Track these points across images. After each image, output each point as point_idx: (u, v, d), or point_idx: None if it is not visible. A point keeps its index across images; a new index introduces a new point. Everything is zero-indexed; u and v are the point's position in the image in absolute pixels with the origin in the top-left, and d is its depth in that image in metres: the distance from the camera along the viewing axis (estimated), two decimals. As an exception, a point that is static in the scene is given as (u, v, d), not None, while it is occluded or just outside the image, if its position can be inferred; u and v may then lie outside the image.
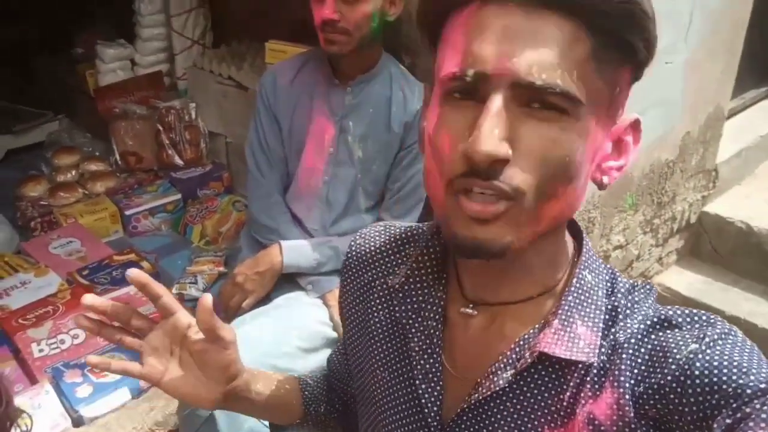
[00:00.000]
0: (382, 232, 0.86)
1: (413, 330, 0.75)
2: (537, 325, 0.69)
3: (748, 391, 0.56)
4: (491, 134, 0.57)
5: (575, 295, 0.68)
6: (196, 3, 2.88)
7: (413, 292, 0.76)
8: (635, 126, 0.67)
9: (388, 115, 1.66)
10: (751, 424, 0.53)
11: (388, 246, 0.84)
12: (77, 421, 1.66)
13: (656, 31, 0.61)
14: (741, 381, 0.57)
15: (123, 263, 2.25)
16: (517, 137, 0.58)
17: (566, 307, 0.67)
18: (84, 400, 1.68)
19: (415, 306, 0.75)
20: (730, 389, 0.57)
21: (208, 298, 0.76)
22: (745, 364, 0.58)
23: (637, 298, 0.70)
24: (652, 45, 0.61)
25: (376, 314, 0.81)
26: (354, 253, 0.87)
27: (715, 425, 0.56)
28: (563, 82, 0.57)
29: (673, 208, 2.89)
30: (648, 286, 0.72)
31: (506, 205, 0.59)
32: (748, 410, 0.55)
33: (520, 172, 0.59)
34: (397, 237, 0.84)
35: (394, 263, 0.82)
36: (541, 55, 0.57)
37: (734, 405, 0.56)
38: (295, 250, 1.65)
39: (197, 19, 2.91)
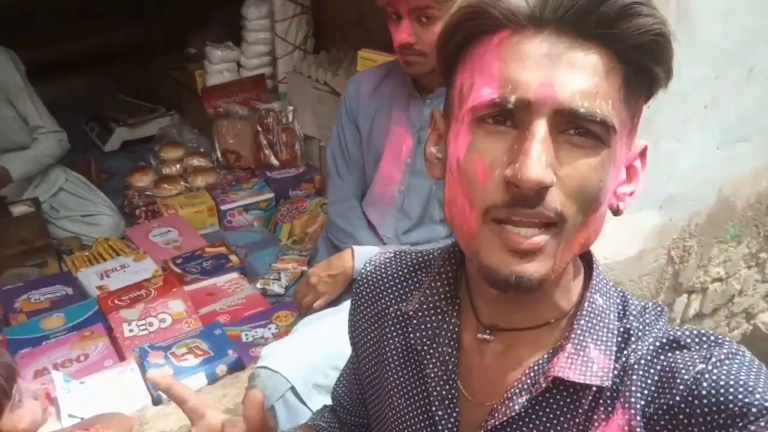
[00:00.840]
0: (393, 259, 0.85)
1: (428, 356, 0.75)
2: (550, 350, 0.69)
3: (754, 409, 0.56)
4: (539, 160, 0.57)
5: (587, 318, 0.68)
6: (299, 10, 3.00)
7: (427, 318, 0.76)
8: (643, 152, 0.68)
9: None
10: None
11: (400, 272, 0.84)
12: (156, 400, 1.77)
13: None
14: (747, 400, 0.57)
15: (214, 255, 2.38)
16: (557, 164, 0.59)
17: (578, 331, 0.67)
18: (164, 381, 1.79)
19: (430, 332, 0.75)
20: (736, 408, 0.57)
21: (257, 395, 0.74)
22: (751, 383, 0.58)
23: (648, 320, 0.69)
24: (671, 74, 0.62)
25: (391, 341, 0.81)
26: (365, 280, 0.86)
27: None
28: (601, 111, 0.58)
29: (784, 242, 2.72)
30: (659, 308, 0.71)
31: (547, 237, 0.60)
32: (753, 428, 0.55)
33: (562, 198, 0.59)
34: (409, 263, 0.84)
35: (407, 290, 0.82)
36: (582, 82, 0.58)
37: (740, 423, 0.56)
38: (366, 256, 1.68)
39: (300, 25, 3.03)
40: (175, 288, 2.14)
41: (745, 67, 2.17)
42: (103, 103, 3.74)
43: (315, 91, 2.76)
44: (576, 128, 0.59)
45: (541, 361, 0.69)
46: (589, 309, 0.68)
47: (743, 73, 2.19)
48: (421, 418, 0.76)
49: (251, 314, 2.09)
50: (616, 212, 0.67)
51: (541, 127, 0.58)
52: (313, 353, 1.52)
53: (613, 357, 0.67)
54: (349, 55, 2.73)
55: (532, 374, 0.69)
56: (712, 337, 0.65)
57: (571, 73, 0.58)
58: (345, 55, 2.78)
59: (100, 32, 4.27)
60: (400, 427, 0.79)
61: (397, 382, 0.79)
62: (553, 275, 0.62)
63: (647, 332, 0.68)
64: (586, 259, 0.73)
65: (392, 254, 0.86)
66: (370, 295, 0.85)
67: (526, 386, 0.68)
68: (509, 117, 0.60)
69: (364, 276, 0.86)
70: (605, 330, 0.68)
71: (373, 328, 0.84)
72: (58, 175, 2.76)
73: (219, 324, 2.00)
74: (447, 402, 0.73)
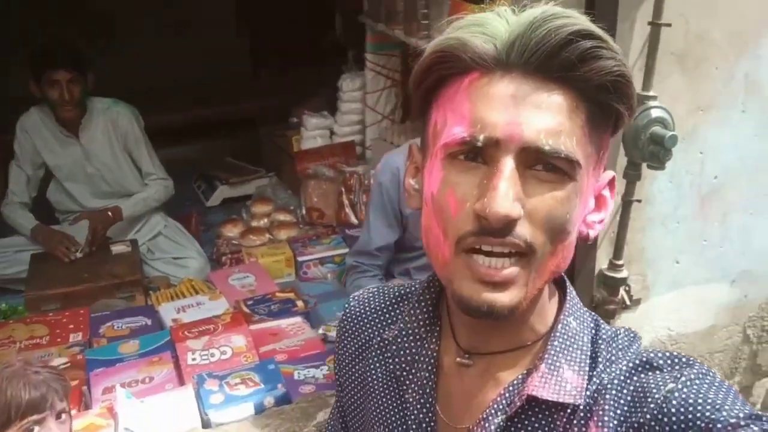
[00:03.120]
0: (376, 293, 0.88)
1: (407, 381, 0.77)
2: (525, 371, 0.71)
3: (719, 425, 0.57)
4: (506, 195, 0.60)
5: (561, 340, 0.70)
6: (389, 83, 3.20)
7: (406, 344, 0.77)
8: (611, 183, 0.72)
9: None
10: None
11: (382, 305, 0.85)
12: (206, 423, 1.87)
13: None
14: (713, 416, 0.58)
15: (282, 299, 2.51)
16: (525, 197, 0.62)
17: (552, 352, 0.69)
18: (215, 407, 1.89)
19: (409, 358, 0.77)
20: (702, 424, 0.58)
21: None
22: (718, 402, 0.59)
23: (621, 345, 0.71)
24: (633, 111, 0.66)
25: (373, 371, 0.82)
26: (348, 315, 0.88)
27: None
28: (566, 148, 0.61)
29: None
30: (632, 334, 0.72)
31: (517, 269, 0.63)
32: None
33: (530, 229, 0.62)
34: (392, 296, 0.86)
35: (389, 321, 0.84)
36: (547, 121, 0.61)
37: None
38: None
39: (389, 96, 3.23)
40: (240, 325, 2.28)
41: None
42: (212, 164, 4.08)
43: (394, 155, 2.91)
44: (543, 164, 0.62)
45: (516, 382, 0.71)
46: (563, 331, 0.71)
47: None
48: None
49: (307, 355, 2.18)
50: (586, 239, 0.70)
51: (508, 164, 0.61)
52: None
53: (586, 377, 0.68)
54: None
55: (507, 395, 0.70)
56: (684, 359, 0.66)
57: (537, 113, 0.61)
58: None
59: (222, 104, 4.73)
60: None
61: (379, 410, 0.81)
62: (525, 303, 0.65)
63: (620, 356, 0.69)
64: (560, 284, 0.75)
65: (376, 288, 0.89)
66: (354, 329, 0.87)
67: (501, 406, 0.70)
68: (479, 154, 0.63)
69: (348, 311, 0.88)
70: (579, 351, 0.70)
71: (356, 361, 0.86)
72: (158, 221, 3.05)
73: (274, 360, 2.10)
74: (425, 425, 0.75)
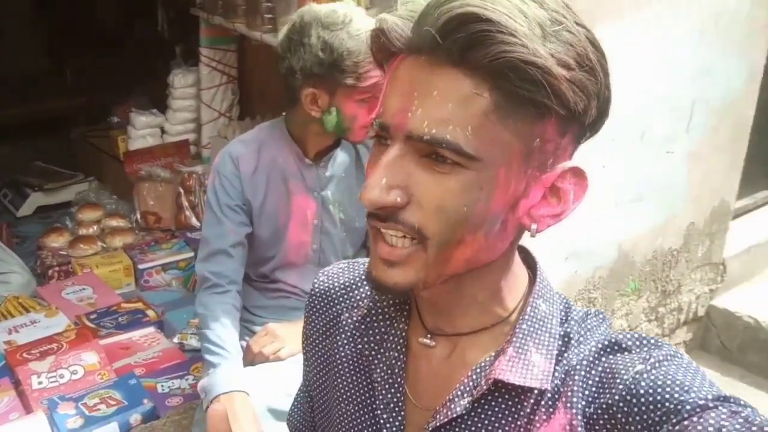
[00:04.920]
0: (346, 269, 0.86)
1: (376, 361, 0.76)
2: (493, 353, 0.71)
3: (688, 407, 0.58)
4: (378, 183, 0.61)
5: (529, 323, 0.70)
6: (225, 79, 3.09)
7: (376, 324, 0.77)
8: (577, 174, 0.66)
9: (357, 173, 1.77)
10: None
11: (352, 282, 0.84)
12: (64, 451, 1.70)
13: (580, 91, 0.60)
14: (682, 398, 0.59)
15: (129, 311, 2.34)
16: (413, 185, 0.61)
17: (520, 335, 0.69)
18: (73, 431, 1.72)
19: (378, 337, 0.77)
20: (671, 405, 0.59)
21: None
22: (687, 383, 0.60)
23: (590, 326, 0.71)
24: (572, 102, 0.60)
25: (341, 349, 0.81)
26: (317, 290, 0.86)
27: None
28: (452, 137, 0.59)
29: (679, 298, 2.89)
30: (601, 315, 0.73)
31: (412, 249, 0.63)
32: (686, 423, 0.57)
33: (420, 216, 0.62)
34: (362, 273, 0.84)
35: (358, 298, 0.83)
36: (435, 110, 0.59)
37: (674, 420, 0.58)
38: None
39: (225, 93, 3.11)
40: (88, 341, 2.08)
41: (637, 131, 2.38)
42: (17, 170, 3.67)
43: (238, 153, 2.82)
44: (433, 154, 0.60)
45: (483, 364, 0.70)
46: (532, 314, 0.70)
47: (636, 136, 2.39)
48: (368, 423, 0.77)
49: (168, 366, 2.05)
50: (531, 233, 0.67)
51: (391, 152, 0.61)
52: (270, 376, 1.54)
53: (554, 361, 0.68)
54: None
55: (474, 376, 0.70)
56: (652, 340, 0.67)
57: (428, 100, 0.59)
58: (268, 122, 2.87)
59: (21, 103, 4.25)
60: None
61: (346, 389, 0.80)
62: (423, 286, 0.65)
63: (589, 336, 0.70)
64: (531, 266, 0.75)
65: (345, 264, 0.87)
66: (322, 304, 0.85)
67: (468, 388, 0.69)
68: (388, 137, 0.63)
69: (316, 286, 0.86)
70: (547, 335, 0.69)
71: (323, 337, 0.85)
72: (-34, 235, 2.68)
73: (134, 375, 1.95)
74: (392, 406, 0.74)
